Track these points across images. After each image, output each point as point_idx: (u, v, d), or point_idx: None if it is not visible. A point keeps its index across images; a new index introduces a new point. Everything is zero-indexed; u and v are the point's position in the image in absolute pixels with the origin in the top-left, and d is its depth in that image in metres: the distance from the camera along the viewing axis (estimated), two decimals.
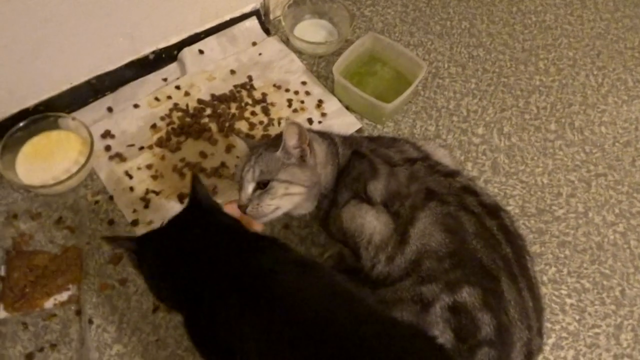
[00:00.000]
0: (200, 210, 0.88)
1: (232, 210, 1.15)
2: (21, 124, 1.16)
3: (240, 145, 1.09)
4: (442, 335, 0.85)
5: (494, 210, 0.94)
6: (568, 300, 1.09)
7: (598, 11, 1.54)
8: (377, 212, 0.94)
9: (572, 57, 1.44)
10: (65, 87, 1.22)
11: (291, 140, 0.93)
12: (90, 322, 1.03)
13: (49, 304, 1.04)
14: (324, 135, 1.03)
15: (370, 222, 0.93)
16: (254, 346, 0.71)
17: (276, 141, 0.96)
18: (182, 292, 0.81)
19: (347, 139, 1.05)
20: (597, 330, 1.06)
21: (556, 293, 1.10)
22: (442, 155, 1.03)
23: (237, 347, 0.72)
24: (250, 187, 0.95)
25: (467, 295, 0.87)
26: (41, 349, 1.00)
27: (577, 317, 1.07)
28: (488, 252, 0.89)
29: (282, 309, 0.71)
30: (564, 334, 1.05)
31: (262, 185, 0.94)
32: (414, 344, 0.69)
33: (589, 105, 1.35)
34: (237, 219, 0.90)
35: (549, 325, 1.05)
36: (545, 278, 1.11)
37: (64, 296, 1.04)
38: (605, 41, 1.47)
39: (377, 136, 1.20)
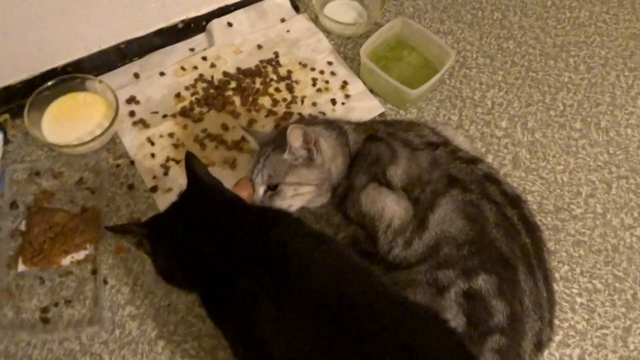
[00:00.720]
0: (203, 187, 0.88)
1: (245, 187, 1.16)
2: (49, 83, 1.18)
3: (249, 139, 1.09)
4: (455, 319, 0.86)
5: (516, 201, 0.94)
6: (578, 299, 1.09)
7: (634, 11, 1.50)
8: (397, 196, 0.94)
9: (604, 56, 1.41)
10: (95, 49, 1.23)
11: (296, 143, 0.94)
12: (105, 282, 1.05)
13: (66, 261, 1.06)
14: (332, 126, 1.02)
15: (390, 207, 0.93)
16: (269, 317, 0.72)
17: (284, 138, 0.96)
18: (196, 271, 0.82)
19: (359, 126, 1.05)
20: (605, 331, 1.06)
21: (567, 291, 1.09)
22: (461, 141, 1.03)
23: (254, 320, 0.73)
24: (261, 190, 0.97)
25: (483, 282, 0.87)
26: (56, 304, 1.03)
27: (586, 317, 1.07)
28: (507, 241, 0.89)
29: (296, 280, 0.72)
30: (572, 332, 1.05)
31: (273, 187, 0.96)
32: (426, 324, 0.70)
33: (617, 106, 1.33)
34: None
35: (557, 322, 1.05)
36: (557, 275, 1.10)
37: (81, 255, 1.07)
38: (639, 42, 1.44)
39: (394, 120, 1.19)
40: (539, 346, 0.90)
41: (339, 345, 0.67)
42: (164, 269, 0.88)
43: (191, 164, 0.90)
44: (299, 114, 1.25)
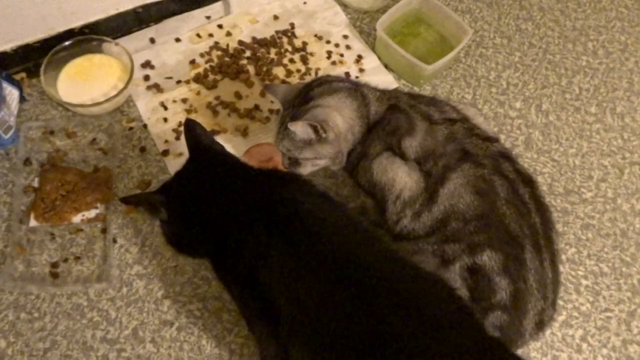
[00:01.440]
0: (210, 152, 0.89)
1: (255, 155, 1.17)
2: (66, 44, 1.19)
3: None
4: (458, 292, 0.86)
5: (528, 179, 0.94)
6: (584, 282, 1.09)
7: None
8: (409, 168, 0.94)
9: (623, 41, 1.39)
10: (112, 12, 1.23)
11: (299, 135, 0.96)
12: (114, 241, 1.07)
13: (76, 219, 1.07)
14: (356, 94, 1.01)
15: (401, 178, 0.93)
16: (279, 277, 0.72)
17: (303, 101, 0.97)
18: (209, 235, 0.83)
19: (384, 94, 1.04)
20: (609, 314, 1.06)
21: (573, 273, 1.09)
22: (481, 122, 1.02)
23: (264, 280, 0.74)
24: (285, 158, 1.01)
25: (487, 258, 0.88)
26: (65, 260, 1.04)
27: (591, 299, 1.07)
28: (517, 218, 0.89)
29: (306, 240, 0.72)
30: (575, 314, 1.05)
31: (293, 159, 1.00)
32: (433, 288, 0.70)
33: (634, 93, 1.32)
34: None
35: (561, 303, 1.05)
36: (564, 257, 1.10)
37: (91, 213, 1.08)
38: None
39: (418, 94, 1.19)
40: (540, 325, 0.90)
41: (347, 304, 0.67)
42: (178, 236, 0.89)
43: (194, 130, 0.90)
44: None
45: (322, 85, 1.01)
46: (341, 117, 0.98)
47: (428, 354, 0.63)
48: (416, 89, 1.28)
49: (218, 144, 0.93)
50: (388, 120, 0.98)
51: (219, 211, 0.82)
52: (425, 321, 0.65)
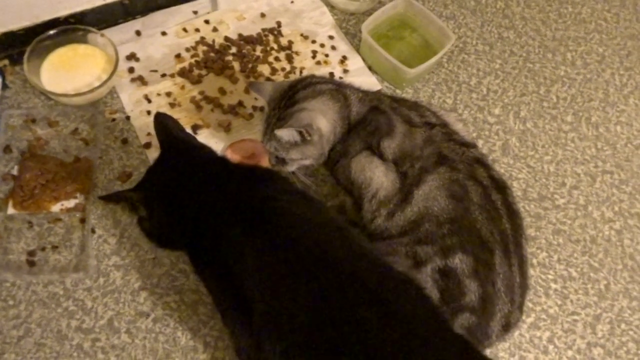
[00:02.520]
0: (185, 147, 0.89)
1: (240, 150, 1.18)
2: (51, 32, 1.19)
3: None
4: (429, 293, 0.88)
5: (502, 186, 0.96)
6: (553, 285, 1.12)
7: (636, 12, 1.52)
8: (386, 168, 0.96)
9: (601, 53, 1.43)
10: (99, 3, 1.23)
11: (285, 139, 0.97)
12: (93, 231, 1.07)
13: (55, 208, 1.07)
14: (339, 96, 1.02)
15: (378, 177, 0.96)
16: (254, 272, 0.73)
17: (289, 103, 0.99)
18: (187, 229, 0.84)
19: (366, 95, 1.05)
20: (575, 317, 1.09)
21: (543, 277, 1.12)
22: (460, 128, 1.05)
23: (239, 274, 0.75)
24: (272, 156, 1.03)
25: (459, 261, 0.90)
26: (43, 249, 1.04)
27: (559, 302, 1.10)
28: (488, 224, 0.92)
29: (281, 236, 0.74)
30: (543, 316, 1.08)
31: (280, 158, 1.01)
32: (403, 286, 0.72)
33: (609, 103, 1.35)
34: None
35: (530, 305, 1.08)
36: (535, 261, 1.13)
37: (70, 203, 1.08)
38: (637, 42, 1.46)
39: (401, 97, 1.21)
40: (507, 327, 0.93)
41: (318, 298, 0.69)
42: (157, 232, 0.89)
43: (165, 123, 0.90)
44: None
45: (307, 88, 1.01)
46: (325, 120, 0.99)
47: (395, 348, 0.65)
48: (398, 92, 1.30)
49: (191, 136, 0.94)
50: (369, 120, 1.00)
51: (195, 205, 0.83)
52: (394, 317, 0.67)
